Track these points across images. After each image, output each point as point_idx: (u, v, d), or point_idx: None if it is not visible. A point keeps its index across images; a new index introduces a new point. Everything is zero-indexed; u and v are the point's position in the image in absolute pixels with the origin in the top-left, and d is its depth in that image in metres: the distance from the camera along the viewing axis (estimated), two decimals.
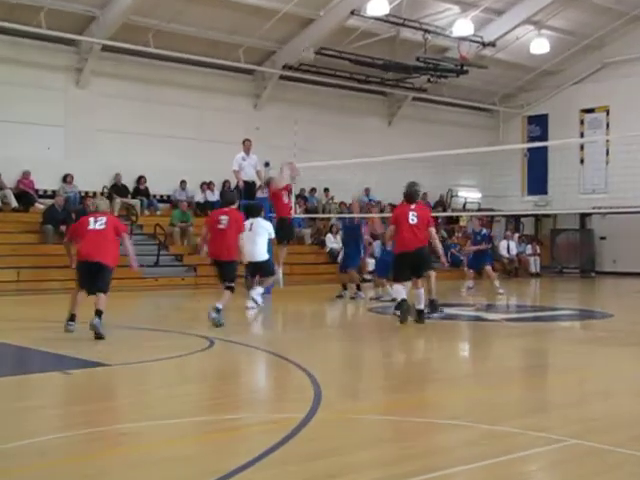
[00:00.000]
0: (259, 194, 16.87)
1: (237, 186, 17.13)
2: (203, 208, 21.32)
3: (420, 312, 11.06)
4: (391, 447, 4.99)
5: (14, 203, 18.71)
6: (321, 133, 23.26)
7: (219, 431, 5.31)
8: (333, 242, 21.92)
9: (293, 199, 17.89)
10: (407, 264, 10.99)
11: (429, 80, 24.58)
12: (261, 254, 13.14)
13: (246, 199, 16.79)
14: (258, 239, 13.08)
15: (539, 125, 27.85)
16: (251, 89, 23.12)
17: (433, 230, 11.46)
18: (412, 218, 10.99)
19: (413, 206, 11.19)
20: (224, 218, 10.67)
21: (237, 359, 8.74)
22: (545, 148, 26.43)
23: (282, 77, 23.08)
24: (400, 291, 11.00)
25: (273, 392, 6.99)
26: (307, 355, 8.30)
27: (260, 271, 13.32)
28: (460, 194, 27.55)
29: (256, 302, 12.81)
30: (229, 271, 10.71)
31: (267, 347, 9.03)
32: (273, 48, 22.38)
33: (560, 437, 4.98)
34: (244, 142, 16.88)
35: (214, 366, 8.13)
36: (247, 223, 12.41)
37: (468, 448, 4.85)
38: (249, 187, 16.81)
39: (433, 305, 12.02)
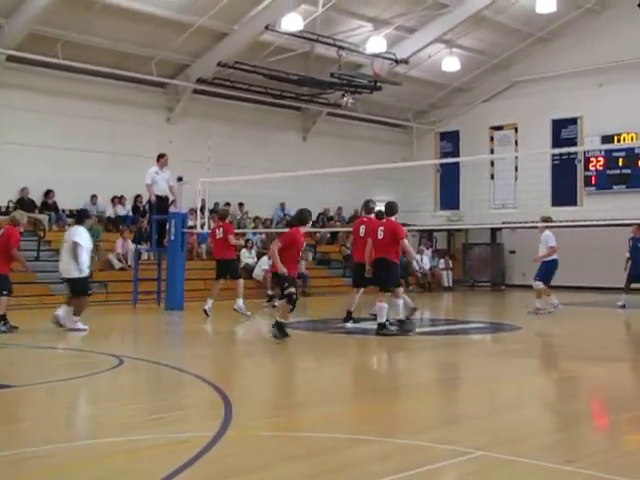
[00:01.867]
0: (172, 209, 16.63)
1: (149, 201, 16.83)
2: (114, 223, 20.90)
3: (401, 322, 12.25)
4: (302, 464, 4.93)
5: None
6: (236, 148, 23.13)
7: (126, 452, 5.15)
8: (248, 257, 21.79)
9: (206, 214, 17.75)
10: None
11: (343, 96, 24.77)
12: (66, 270, 11.90)
13: (158, 214, 16.55)
14: (64, 252, 12.00)
15: (451, 141, 28.42)
16: (164, 102, 22.83)
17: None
18: (380, 233, 11.80)
19: (383, 221, 12.18)
20: None
21: (146, 377, 8.54)
22: (457, 164, 26.99)
23: (196, 91, 22.88)
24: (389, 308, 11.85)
25: (183, 411, 6.83)
26: (219, 372, 8.17)
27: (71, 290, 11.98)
28: (375, 209, 27.77)
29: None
30: None
31: (177, 364, 8.85)
32: (186, 61, 22.17)
33: (468, 449, 5.01)
34: (160, 157, 16.46)
35: (122, 385, 7.92)
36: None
37: (379, 463, 4.83)
38: (162, 202, 16.54)
39: (348, 316, 12.60)
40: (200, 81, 22.43)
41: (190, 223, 17.64)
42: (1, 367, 8.32)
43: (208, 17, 20.16)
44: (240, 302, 14.55)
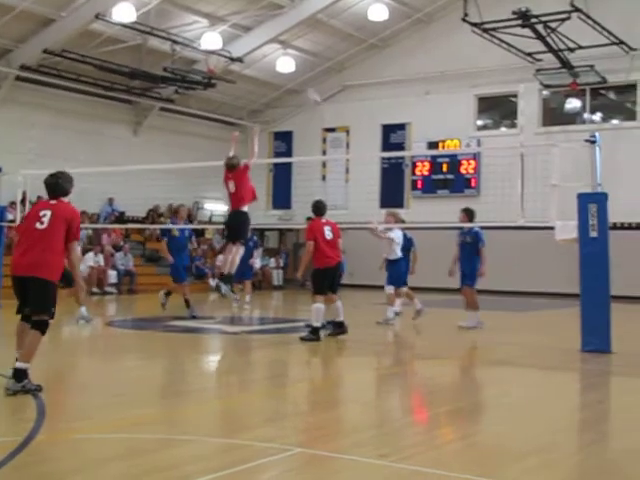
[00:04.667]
0: None
1: None
2: None
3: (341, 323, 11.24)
4: (118, 466, 4.76)
5: None
6: (62, 139, 22.20)
7: None
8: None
9: (27, 207, 16.88)
10: (329, 278, 11.12)
11: (177, 91, 24.39)
12: None
13: None
14: None
15: (284, 141, 28.66)
16: None
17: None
18: (328, 233, 11.19)
19: (324, 220, 11.38)
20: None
21: None
22: (290, 164, 27.25)
23: (19, 78, 21.74)
24: (321, 311, 10.87)
25: None
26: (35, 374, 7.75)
27: None
28: (207, 206, 27.59)
29: None
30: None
31: None
32: (9, 46, 21.02)
33: (286, 446, 5.02)
34: None
35: None
36: None
37: (197, 463, 4.76)
38: None
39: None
40: (24, 68, 21.33)
41: (10, 217, 16.74)
42: None
43: (32, 1, 19.22)
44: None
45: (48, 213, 6.93)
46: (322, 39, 25.33)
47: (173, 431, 5.65)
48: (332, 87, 27.65)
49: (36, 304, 6.79)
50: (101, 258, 20.74)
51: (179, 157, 21.85)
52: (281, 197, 28.27)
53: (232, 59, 23.82)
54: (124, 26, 21.02)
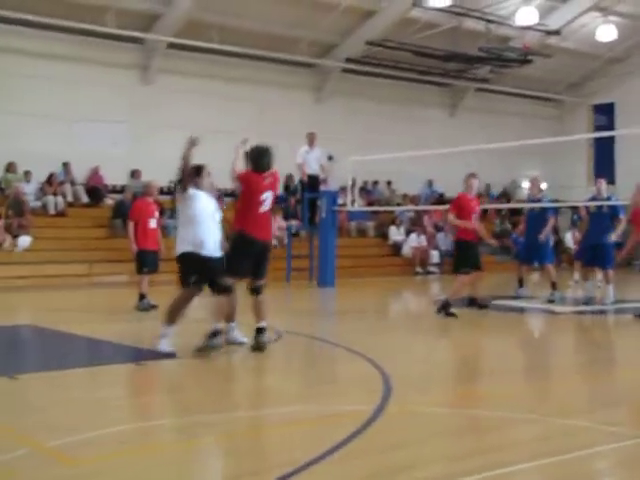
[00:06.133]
0: (322, 187, 16.93)
1: (301, 180, 17.22)
2: None
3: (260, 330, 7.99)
4: (460, 441, 5.00)
5: (85, 198, 19.22)
6: (383, 125, 23.24)
7: (290, 423, 5.37)
8: (396, 234, 21.91)
9: (356, 192, 17.90)
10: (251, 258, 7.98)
11: (492, 71, 24.30)
12: None
13: (310, 192, 16.90)
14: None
15: (605, 114, 27.27)
16: (313, 83, 23.19)
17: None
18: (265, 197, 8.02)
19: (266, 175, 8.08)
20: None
21: (304, 350, 8.83)
22: (612, 138, 25.89)
23: (344, 70, 23.10)
24: None
25: (342, 384, 7.01)
26: (373, 347, 8.31)
27: None
28: (524, 185, 27.19)
29: None
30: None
31: (334, 339, 9.06)
32: (335, 41, 22.38)
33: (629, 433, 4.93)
34: (310, 136, 16.81)
35: (280, 358, 8.22)
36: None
37: (540, 443, 4.84)
38: (313, 180, 16.86)
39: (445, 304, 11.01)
40: (349, 60, 22.62)
41: (340, 201, 17.91)
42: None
43: None
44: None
45: None
46: None
47: (512, 409, 5.77)
48: None
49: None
50: (423, 239, 21.39)
51: (494, 136, 21.83)
52: (604, 173, 26.95)
53: (548, 32, 23.19)
54: (439, 10, 21.40)
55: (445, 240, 21.92)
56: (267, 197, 7.99)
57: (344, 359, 8.05)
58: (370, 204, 22.21)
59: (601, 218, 12.74)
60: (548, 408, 5.80)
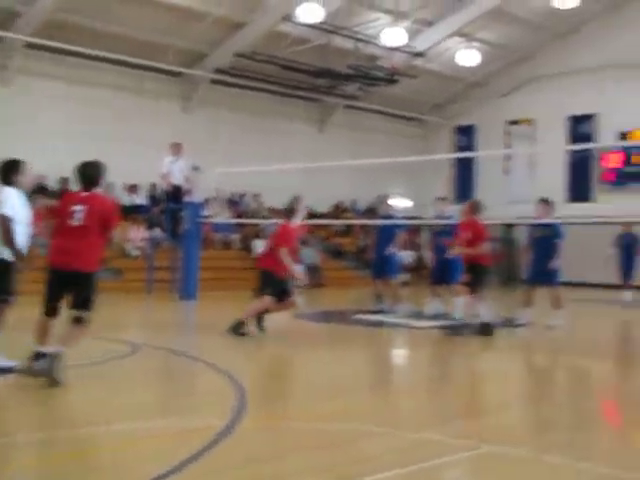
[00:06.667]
0: (186, 198, 16.66)
1: (165, 190, 16.90)
2: (129, 212, 20.91)
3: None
4: (316, 455, 4.94)
5: None
6: (250, 137, 23.17)
7: (143, 438, 5.18)
8: (261, 247, 21.78)
9: (221, 203, 17.77)
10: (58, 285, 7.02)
11: (360, 88, 24.73)
12: None
13: (173, 203, 16.60)
14: None
15: (466, 135, 28.31)
16: (181, 92, 22.84)
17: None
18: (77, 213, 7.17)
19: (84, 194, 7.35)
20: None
21: (159, 365, 8.58)
22: (471, 159, 26.91)
23: (213, 81, 22.89)
24: None
25: (193, 399, 6.84)
26: (232, 361, 8.18)
27: None
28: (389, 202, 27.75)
29: None
30: None
31: (192, 353, 8.87)
32: (205, 51, 22.15)
33: (476, 444, 5.00)
34: (175, 146, 16.60)
35: (135, 372, 7.96)
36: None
37: (393, 455, 4.85)
38: (176, 191, 16.59)
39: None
40: (218, 71, 22.44)
41: (205, 212, 17.68)
42: None
43: (226, 7, 20.15)
44: None
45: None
46: (506, 30, 24.75)
47: (366, 423, 5.77)
48: (517, 78, 26.96)
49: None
50: None
51: (362, 153, 22.22)
52: (464, 191, 27.95)
53: (414, 54, 23.85)
54: (309, 27, 21.59)
55: (309, 254, 22.08)
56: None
57: (202, 373, 7.86)
58: (238, 216, 22.04)
59: (444, 237, 13.23)
60: (397, 422, 5.84)
